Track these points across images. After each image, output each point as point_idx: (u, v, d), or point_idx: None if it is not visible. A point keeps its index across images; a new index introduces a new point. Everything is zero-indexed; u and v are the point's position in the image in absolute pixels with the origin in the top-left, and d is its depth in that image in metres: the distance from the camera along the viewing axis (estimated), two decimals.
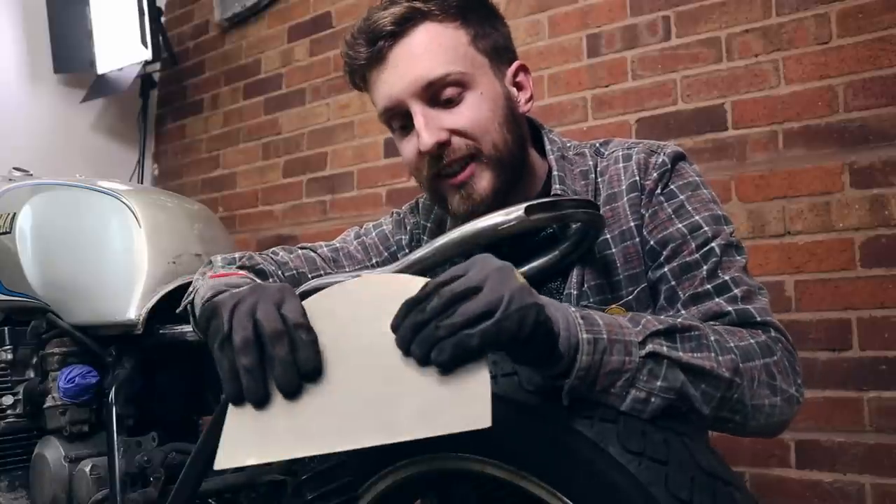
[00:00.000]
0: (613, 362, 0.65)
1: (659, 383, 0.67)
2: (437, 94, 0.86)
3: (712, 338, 0.71)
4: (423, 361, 0.58)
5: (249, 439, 0.60)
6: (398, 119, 0.90)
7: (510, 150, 0.89)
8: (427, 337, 0.58)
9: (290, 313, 0.62)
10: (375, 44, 0.86)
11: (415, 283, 0.62)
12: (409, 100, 0.86)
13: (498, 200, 0.86)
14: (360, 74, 0.91)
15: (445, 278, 0.60)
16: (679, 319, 0.71)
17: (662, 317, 0.73)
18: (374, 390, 0.60)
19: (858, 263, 1.51)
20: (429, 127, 0.85)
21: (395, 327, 0.60)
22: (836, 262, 1.53)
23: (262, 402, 0.60)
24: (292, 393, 0.60)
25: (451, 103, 0.86)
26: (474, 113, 0.86)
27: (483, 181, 0.87)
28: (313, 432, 0.59)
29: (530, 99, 0.95)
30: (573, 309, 0.66)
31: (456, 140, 0.86)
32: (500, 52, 0.93)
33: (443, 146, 0.86)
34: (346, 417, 0.59)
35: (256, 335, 0.61)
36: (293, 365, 0.60)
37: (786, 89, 1.63)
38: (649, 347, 0.67)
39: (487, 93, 0.88)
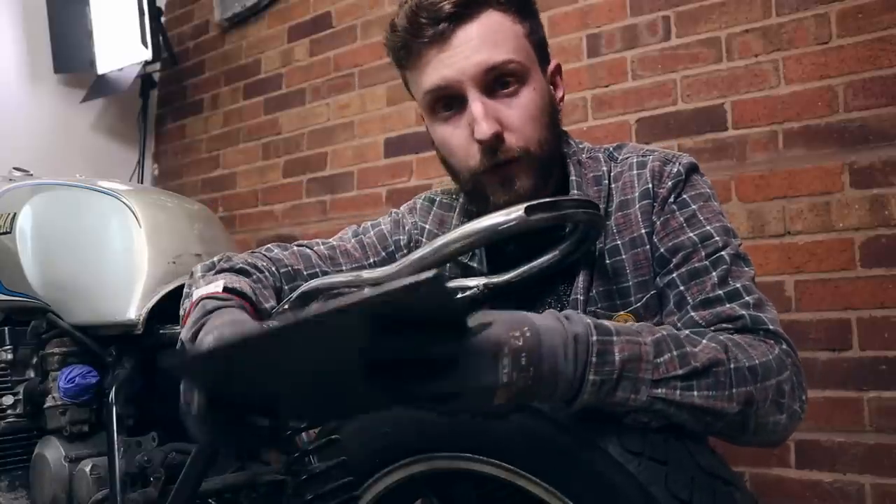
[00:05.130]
0: (618, 398, 0.65)
1: (661, 419, 0.67)
2: (495, 82, 0.86)
3: (732, 365, 0.70)
4: None
5: None
6: (444, 102, 0.89)
7: (552, 148, 0.90)
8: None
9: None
10: (438, 24, 0.85)
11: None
12: (467, 84, 0.85)
13: (537, 197, 0.85)
14: (414, 52, 0.88)
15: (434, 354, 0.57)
16: (704, 356, 0.69)
17: (686, 333, 0.72)
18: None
19: (858, 263, 1.51)
20: (487, 117, 0.84)
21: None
22: (836, 262, 1.53)
23: None
24: None
25: (506, 95, 0.86)
26: (528, 108, 0.87)
27: (527, 179, 0.87)
28: None
29: (562, 98, 0.96)
30: (595, 338, 0.65)
31: (508, 137, 0.86)
32: (544, 50, 0.94)
33: (499, 138, 0.85)
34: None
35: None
36: None
37: (786, 89, 1.63)
38: (661, 392, 0.66)
39: (538, 89, 0.89)
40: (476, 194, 0.92)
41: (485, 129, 0.83)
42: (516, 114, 0.86)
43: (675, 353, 0.68)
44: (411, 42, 0.88)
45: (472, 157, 0.87)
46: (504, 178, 0.87)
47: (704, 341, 0.71)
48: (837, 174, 1.55)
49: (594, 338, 0.65)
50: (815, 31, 1.60)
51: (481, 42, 0.85)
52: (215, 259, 0.93)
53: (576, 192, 0.92)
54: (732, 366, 0.70)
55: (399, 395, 0.58)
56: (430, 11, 0.85)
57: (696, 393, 0.67)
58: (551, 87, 0.94)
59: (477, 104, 0.84)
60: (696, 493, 0.64)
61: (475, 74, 0.85)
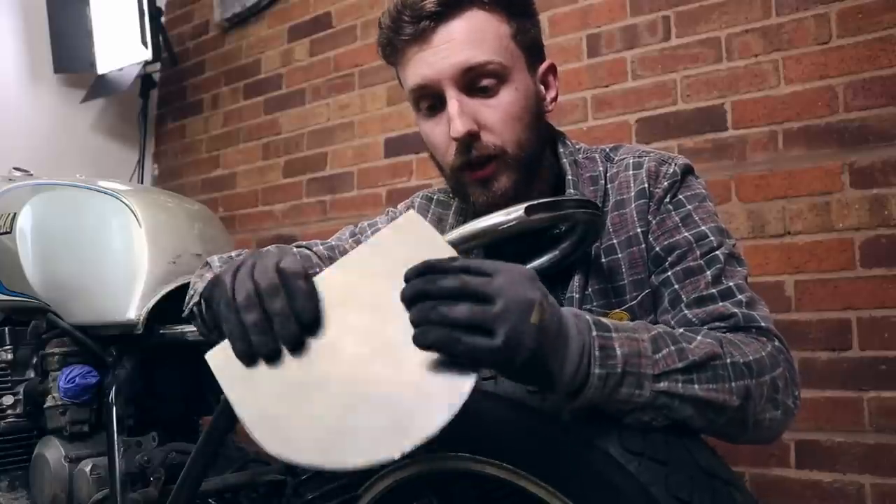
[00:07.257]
0: (622, 394, 0.65)
1: (665, 414, 0.67)
2: (473, 81, 0.86)
3: (728, 360, 0.70)
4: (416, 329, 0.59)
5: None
6: (427, 100, 0.89)
7: (532, 149, 0.90)
8: (423, 310, 0.58)
9: (287, 265, 0.65)
10: (420, 22, 0.85)
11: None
12: (445, 83, 0.85)
13: (517, 197, 0.86)
14: (398, 49, 0.89)
15: (471, 266, 0.59)
16: (701, 350, 0.69)
17: (681, 331, 0.72)
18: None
19: (858, 263, 1.51)
20: (462, 115, 0.84)
21: (406, 279, 0.60)
22: (836, 262, 1.53)
23: (273, 357, 0.62)
24: (295, 347, 0.62)
25: (486, 94, 0.86)
26: (507, 108, 0.87)
27: (504, 179, 0.87)
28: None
29: (555, 99, 0.96)
30: (595, 333, 0.65)
31: (485, 136, 0.86)
32: (536, 50, 0.93)
33: (473, 136, 0.85)
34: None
35: (258, 292, 0.63)
36: (290, 317, 0.62)
37: (786, 89, 1.63)
38: (664, 385, 0.66)
39: (521, 89, 0.88)
40: (458, 192, 0.93)
41: (458, 127, 0.84)
42: (494, 113, 0.86)
43: (672, 348, 0.68)
44: (395, 39, 0.88)
45: (450, 154, 0.88)
46: (481, 177, 0.87)
47: (699, 338, 0.71)
48: (837, 174, 1.55)
49: (594, 332, 0.65)
50: (815, 31, 1.60)
51: (462, 42, 0.85)
52: (233, 253, 0.97)
53: (572, 191, 0.92)
54: (729, 360, 0.70)
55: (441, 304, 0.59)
56: (412, 9, 0.86)
57: (697, 386, 0.67)
58: (542, 87, 0.94)
59: (453, 102, 0.85)
60: (696, 494, 0.64)
61: (453, 75, 0.85)
